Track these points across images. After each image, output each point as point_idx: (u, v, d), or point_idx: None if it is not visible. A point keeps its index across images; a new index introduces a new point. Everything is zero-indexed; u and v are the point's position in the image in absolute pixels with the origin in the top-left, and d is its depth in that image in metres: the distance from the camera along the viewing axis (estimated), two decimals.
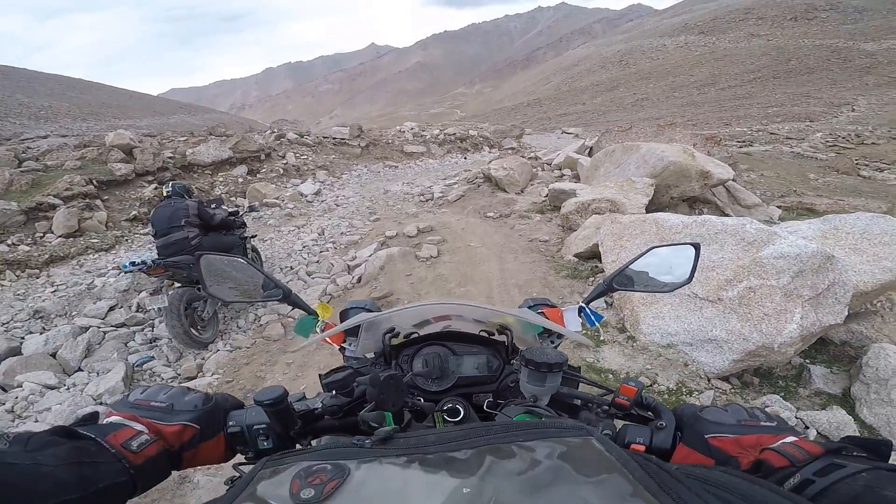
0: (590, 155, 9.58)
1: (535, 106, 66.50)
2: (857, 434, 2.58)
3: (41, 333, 4.65)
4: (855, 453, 0.56)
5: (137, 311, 5.09)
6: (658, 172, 6.22)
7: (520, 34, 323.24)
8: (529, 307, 1.17)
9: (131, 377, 4.07)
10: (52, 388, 3.91)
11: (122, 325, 4.85)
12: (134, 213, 7.92)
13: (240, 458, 0.77)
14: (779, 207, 7.76)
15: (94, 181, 8.03)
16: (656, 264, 1.07)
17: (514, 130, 20.65)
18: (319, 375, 0.92)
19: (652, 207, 6.06)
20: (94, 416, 0.65)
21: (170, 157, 9.51)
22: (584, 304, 1.10)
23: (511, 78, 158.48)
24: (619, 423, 0.79)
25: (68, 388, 3.93)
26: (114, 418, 0.66)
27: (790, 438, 0.63)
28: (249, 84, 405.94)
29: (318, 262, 6.23)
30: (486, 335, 1.04)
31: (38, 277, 6.06)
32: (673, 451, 0.71)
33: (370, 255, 5.76)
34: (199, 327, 4.35)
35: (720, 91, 48.34)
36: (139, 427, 0.64)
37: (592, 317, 1.09)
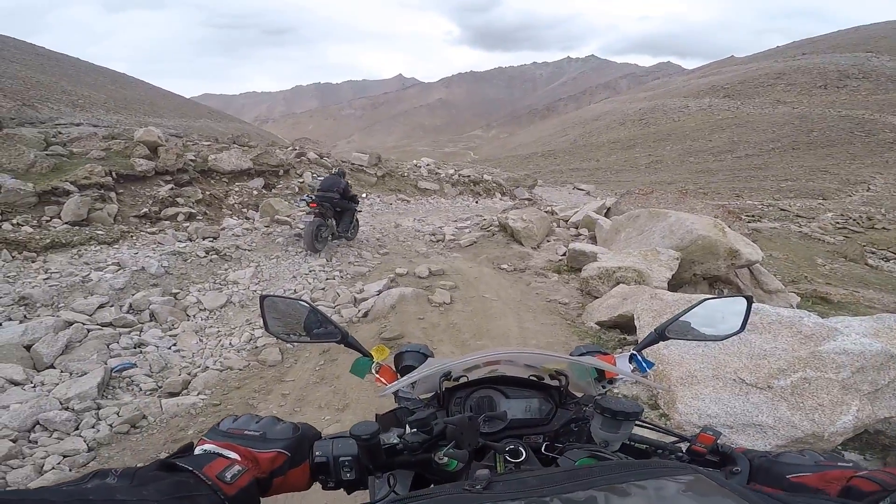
0: (608, 216, 9.48)
1: (548, 157, 66.15)
2: None
3: (21, 322, 4.35)
4: None
5: (129, 311, 4.86)
6: (685, 245, 6.02)
7: (544, 83, 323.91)
8: (582, 354, 1.18)
9: (107, 383, 3.80)
10: (17, 384, 3.62)
11: (109, 324, 4.60)
12: (145, 210, 7.72)
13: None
14: (795, 294, 7.56)
15: (114, 173, 7.93)
16: (708, 315, 1.09)
17: (526, 180, 20.54)
18: (376, 415, 0.97)
19: (672, 283, 5.89)
20: (189, 447, 0.70)
21: (191, 160, 9.46)
22: (635, 352, 1.12)
23: (529, 126, 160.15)
24: None
25: (35, 387, 3.65)
26: (207, 447, 0.70)
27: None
28: (277, 99, 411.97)
29: (323, 289, 6.01)
30: (537, 379, 1.09)
31: (33, 262, 5.76)
32: None
33: (379, 291, 5.56)
34: (318, 241, 6.88)
35: (737, 159, 46.71)
36: (233, 455, 0.68)
37: (644, 363, 1.10)
